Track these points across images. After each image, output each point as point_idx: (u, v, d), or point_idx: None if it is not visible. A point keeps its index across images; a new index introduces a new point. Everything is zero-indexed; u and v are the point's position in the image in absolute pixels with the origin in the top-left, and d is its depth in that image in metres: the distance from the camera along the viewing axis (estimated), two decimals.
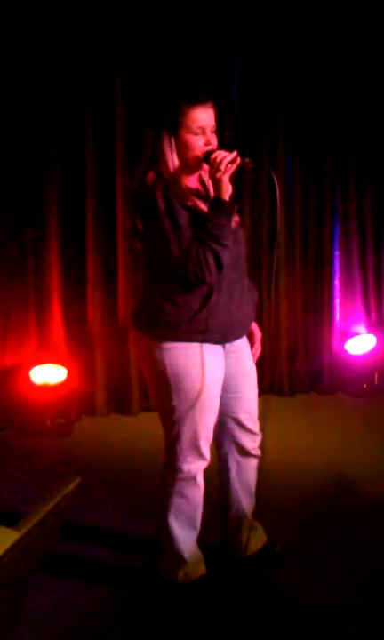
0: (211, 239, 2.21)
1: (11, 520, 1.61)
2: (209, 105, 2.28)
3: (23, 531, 1.28)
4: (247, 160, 2.28)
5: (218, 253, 2.21)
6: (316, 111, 4.57)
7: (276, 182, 2.37)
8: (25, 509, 2.98)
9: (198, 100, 2.27)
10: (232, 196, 2.28)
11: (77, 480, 1.52)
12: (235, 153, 2.25)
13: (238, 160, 2.25)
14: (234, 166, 2.24)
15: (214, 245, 2.21)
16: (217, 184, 2.25)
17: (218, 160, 2.23)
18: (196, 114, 2.25)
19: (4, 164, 4.11)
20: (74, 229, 4.27)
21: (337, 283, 4.84)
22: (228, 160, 2.23)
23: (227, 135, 4.16)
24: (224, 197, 2.25)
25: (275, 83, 4.46)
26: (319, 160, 4.65)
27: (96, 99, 4.16)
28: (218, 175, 2.23)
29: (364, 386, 4.77)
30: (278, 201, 2.52)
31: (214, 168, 2.24)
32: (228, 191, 2.25)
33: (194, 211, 2.27)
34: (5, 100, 4.03)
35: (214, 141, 2.30)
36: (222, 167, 2.22)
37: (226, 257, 2.24)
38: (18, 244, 4.19)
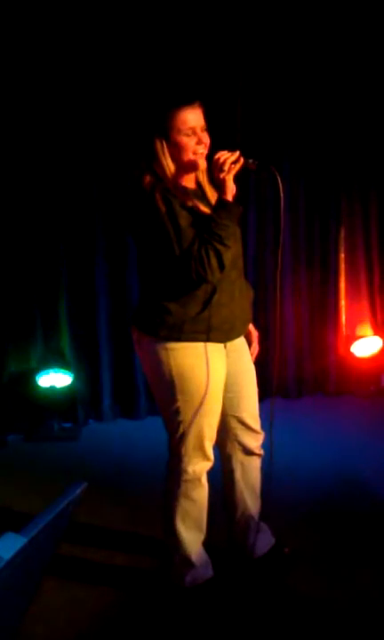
0: (214, 239, 2.22)
1: (18, 525, 1.62)
2: (196, 105, 2.30)
3: (30, 536, 1.29)
4: (250, 160, 2.30)
5: (221, 253, 2.23)
6: (320, 116, 4.57)
7: (280, 181, 2.35)
8: (32, 514, 3.02)
9: (185, 102, 2.28)
10: (236, 197, 2.29)
11: (84, 485, 1.52)
12: (237, 153, 2.27)
13: (241, 160, 2.27)
14: (237, 166, 2.26)
15: (218, 245, 2.22)
16: (221, 185, 2.27)
17: (221, 160, 2.25)
18: (184, 115, 2.26)
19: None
20: (81, 233, 4.28)
21: (342, 284, 4.83)
22: (231, 160, 2.24)
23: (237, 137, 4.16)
24: (228, 198, 2.26)
25: (277, 93, 4.47)
26: (323, 162, 4.64)
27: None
28: (221, 175, 2.25)
29: (371, 388, 4.78)
30: (282, 199, 2.46)
31: (217, 168, 2.25)
32: (231, 192, 2.27)
33: (193, 211, 2.27)
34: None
35: (206, 139, 2.32)
36: (226, 167, 2.24)
37: (228, 257, 2.26)
38: (25, 249, 4.21)
